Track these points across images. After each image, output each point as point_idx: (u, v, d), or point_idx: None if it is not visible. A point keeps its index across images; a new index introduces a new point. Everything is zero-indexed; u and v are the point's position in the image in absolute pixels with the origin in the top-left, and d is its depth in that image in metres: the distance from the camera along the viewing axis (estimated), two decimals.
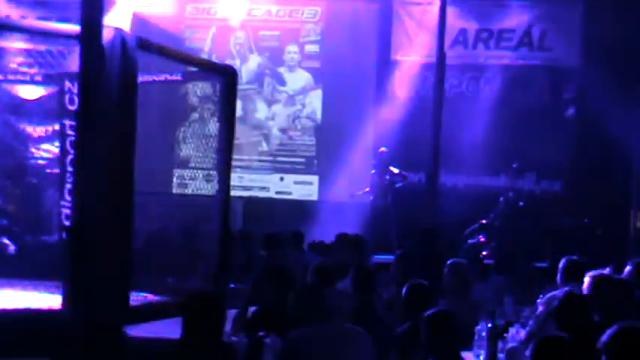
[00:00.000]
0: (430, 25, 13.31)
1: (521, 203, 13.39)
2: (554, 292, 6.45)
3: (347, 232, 10.08)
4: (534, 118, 14.26)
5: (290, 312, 5.50)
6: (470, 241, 12.77)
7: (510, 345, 5.85)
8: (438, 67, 12.35)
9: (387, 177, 13.57)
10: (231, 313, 6.75)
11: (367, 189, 13.82)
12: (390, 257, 9.60)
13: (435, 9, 12.87)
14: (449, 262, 7.22)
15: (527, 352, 4.51)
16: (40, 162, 10.20)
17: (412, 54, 14.68)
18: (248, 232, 11.90)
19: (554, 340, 4.37)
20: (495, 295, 7.65)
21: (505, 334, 6.00)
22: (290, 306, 5.51)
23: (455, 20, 13.77)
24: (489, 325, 5.63)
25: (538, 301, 6.62)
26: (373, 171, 13.83)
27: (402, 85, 14.63)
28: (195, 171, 9.23)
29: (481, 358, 5.60)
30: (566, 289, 6.20)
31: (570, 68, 14.42)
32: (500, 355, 5.69)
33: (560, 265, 7.20)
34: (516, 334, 6.06)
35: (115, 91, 6.55)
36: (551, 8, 14.46)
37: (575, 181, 14.16)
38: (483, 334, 5.61)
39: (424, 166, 12.53)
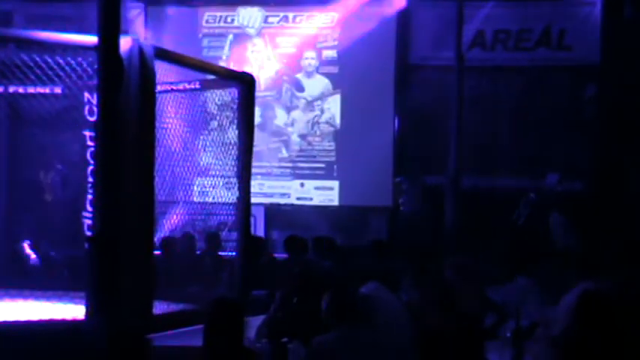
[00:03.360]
0: (447, 27, 13.28)
1: (542, 204, 13.29)
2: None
3: (366, 237, 10.08)
4: (555, 117, 14.18)
5: (320, 316, 5.44)
6: None
7: None
8: (457, 69, 12.36)
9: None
10: (258, 319, 6.75)
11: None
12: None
13: (452, 11, 12.86)
14: (452, 261, 7.16)
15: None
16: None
17: (430, 56, 14.64)
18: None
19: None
20: (520, 297, 7.61)
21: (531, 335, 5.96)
22: (320, 310, 5.44)
23: (472, 22, 13.74)
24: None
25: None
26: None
27: (421, 87, 14.59)
28: (216, 179, 9.23)
29: None
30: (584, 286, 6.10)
31: (590, 67, 14.31)
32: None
33: (577, 263, 7.14)
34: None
35: (134, 100, 6.58)
36: (568, 6, 14.37)
37: (597, 180, 14.05)
38: (508, 334, 5.58)
39: (445, 168, 12.52)
